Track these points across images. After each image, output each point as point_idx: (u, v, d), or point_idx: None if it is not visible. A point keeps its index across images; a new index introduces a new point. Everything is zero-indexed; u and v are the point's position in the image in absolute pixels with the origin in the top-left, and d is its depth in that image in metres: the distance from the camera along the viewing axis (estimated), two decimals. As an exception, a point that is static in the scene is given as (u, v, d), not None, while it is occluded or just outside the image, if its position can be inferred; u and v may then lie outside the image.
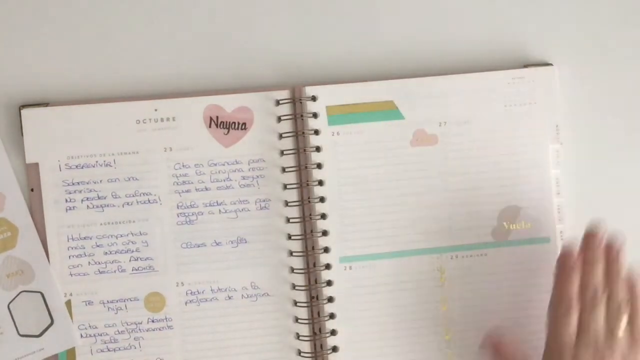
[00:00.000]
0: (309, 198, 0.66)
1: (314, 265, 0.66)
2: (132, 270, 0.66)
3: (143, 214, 0.66)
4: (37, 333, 0.65)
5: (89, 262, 0.66)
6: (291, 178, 0.67)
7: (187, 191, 0.66)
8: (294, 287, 0.66)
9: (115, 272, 0.66)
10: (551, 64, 0.68)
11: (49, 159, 0.66)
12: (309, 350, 0.66)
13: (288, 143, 0.67)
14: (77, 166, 0.66)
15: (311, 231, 0.66)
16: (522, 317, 0.67)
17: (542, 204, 0.67)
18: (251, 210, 0.67)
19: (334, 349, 0.66)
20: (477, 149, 0.67)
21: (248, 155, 0.67)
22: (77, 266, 0.66)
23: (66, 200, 0.66)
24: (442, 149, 0.67)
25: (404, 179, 0.67)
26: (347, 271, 0.67)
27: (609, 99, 0.69)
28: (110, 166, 0.66)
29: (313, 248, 0.66)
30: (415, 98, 0.67)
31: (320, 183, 0.67)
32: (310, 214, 0.66)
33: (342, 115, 0.67)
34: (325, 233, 0.67)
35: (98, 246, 0.66)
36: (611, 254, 0.61)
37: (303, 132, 0.67)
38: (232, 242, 0.67)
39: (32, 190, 0.66)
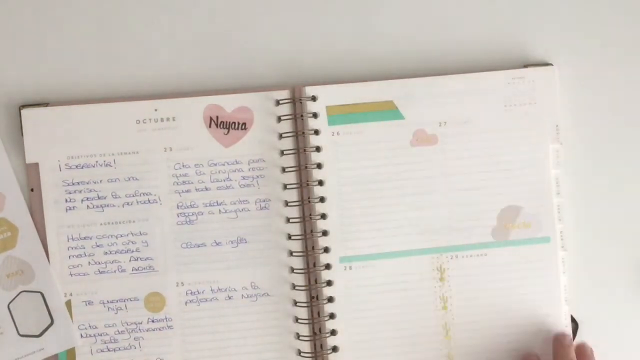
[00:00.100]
0: (309, 198, 0.66)
1: (314, 265, 0.66)
2: (132, 270, 0.66)
3: (143, 214, 0.66)
4: (37, 333, 0.65)
5: (89, 262, 0.66)
6: (291, 178, 0.67)
7: (187, 191, 0.66)
8: (294, 287, 0.66)
9: (115, 272, 0.66)
10: (551, 64, 0.68)
11: (49, 159, 0.66)
12: (309, 350, 0.66)
13: (288, 143, 0.67)
14: (77, 166, 0.66)
15: (311, 231, 0.66)
16: (521, 317, 0.67)
17: (542, 203, 0.67)
18: (251, 210, 0.67)
19: (334, 349, 0.66)
20: (477, 149, 0.67)
21: (248, 155, 0.67)
22: (77, 266, 0.66)
23: (66, 200, 0.66)
24: (442, 149, 0.67)
25: (404, 179, 0.67)
26: (347, 271, 0.67)
27: (609, 99, 0.69)
28: (110, 166, 0.66)
29: (313, 248, 0.66)
30: (415, 98, 0.67)
31: (320, 183, 0.67)
32: (310, 214, 0.66)
33: (342, 115, 0.67)
34: (325, 233, 0.67)
35: (98, 246, 0.66)
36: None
37: (303, 132, 0.67)
38: (232, 242, 0.67)
39: (32, 190, 0.66)
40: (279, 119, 0.67)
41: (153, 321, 0.66)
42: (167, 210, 0.66)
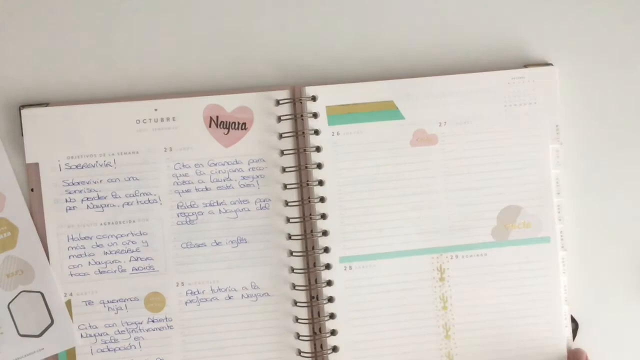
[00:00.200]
0: (309, 198, 0.66)
1: (314, 265, 0.66)
2: (132, 270, 0.66)
3: (143, 213, 0.66)
4: (37, 333, 0.65)
5: (89, 262, 0.66)
6: (291, 178, 0.67)
7: (187, 191, 0.66)
8: (294, 287, 0.66)
9: (115, 272, 0.66)
10: (551, 64, 0.68)
11: (49, 158, 0.66)
12: (309, 350, 0.66)
13: (288, 143, 0.67)
14: (77, 166, 0.66)
15: (311, 231, 0.66)
16: (521, 317, 0.67)
17: (542, 203, 0.67)
18: (251, 210, 0.67)
19: (334, 348, 0.66)
20: (477, 148, 0.67)
21: (248, 155, 0.67)
22: (77, 266, 0.66)
23: (66, 200, 0.66)
24: (442, 148, 0.67)
25: (404, 179, 0.67)
26: (347, 271, 0.67)
27: (609, 99, 0.69)
28: (110, 166, 0.66)
29: (313, 248, 0.66)
30: (415, 98, 0.67)
31: (320, 183, 0.67)
32: (310, 214, 0.66)
33: (342, 115, 0.67)
34: (325, 233, 0.67)
35: (98, 246, 0.66)
36: None
37: (303, 132, 0.67)
38: (232, 242, 0.67)
39: (32, 190, 0.66)
40: (279, 119, 0.67)
41: (153, 321, 0.66)
42: (167, 210, 0.66)
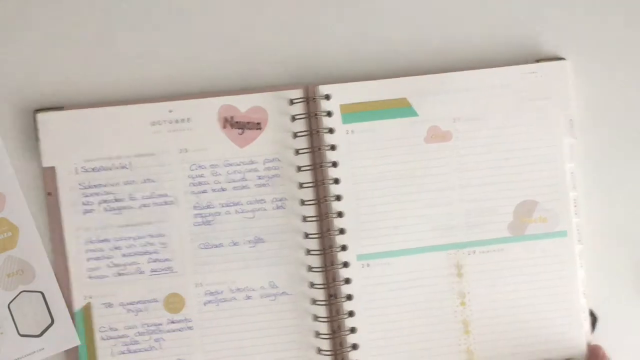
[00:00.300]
0: (325, 196, 0.67)
1: (332, 263, 0.66)
2: (151, 271, 0.66)
3: (160, 215, 0.66)
4: (38, 333, 0.65)
5: (108, 265, 0.66)
6: (307, 177, 0.67)
7: (204, 192, 0.67)
8: (312, 285, 0.67)
9: (134, 274, 0.66)
10: (564, 58, 0.68)
11: (65, 162, 0.66)
12: (329, 348, 0.66)
13: (303, 142, 0.67)
14: (93, 169, 0.66)
15: (328, 229, 0.66)
16: (539, 311, 0.67)
17: (558, 198, 0.67)
18: (267, 210, 0.67)
19: (354, 346, 0.67)
20: (491, 144, 0.68)
21: (263, 154, 0.67)
22: (96, 269, 0.66)
23: (83, 204, 0.66)
24: (456, 145, 0.67)
25: (419, 176, 0.67)
26: (364, 269, 0.67)
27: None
28: (127, 168, 0.66)
29: (330, 246, 0.66)
30: (429, 95, 0.67)
31: (336, 181, 0.67)
32: (327, 213, 0.66)
33: (356, 113, 0.67)
34: (342, 231, 0.67)
35: (116, 248, 0.66)
36: None
37: (317, 131, 0.67)
38: (249, 242, 0.67)
39: (49, 194, 0.66)
40: (293, 118, 0.67)
41: (173, 322, 0.66)
42: (184, 212, 0.66)
